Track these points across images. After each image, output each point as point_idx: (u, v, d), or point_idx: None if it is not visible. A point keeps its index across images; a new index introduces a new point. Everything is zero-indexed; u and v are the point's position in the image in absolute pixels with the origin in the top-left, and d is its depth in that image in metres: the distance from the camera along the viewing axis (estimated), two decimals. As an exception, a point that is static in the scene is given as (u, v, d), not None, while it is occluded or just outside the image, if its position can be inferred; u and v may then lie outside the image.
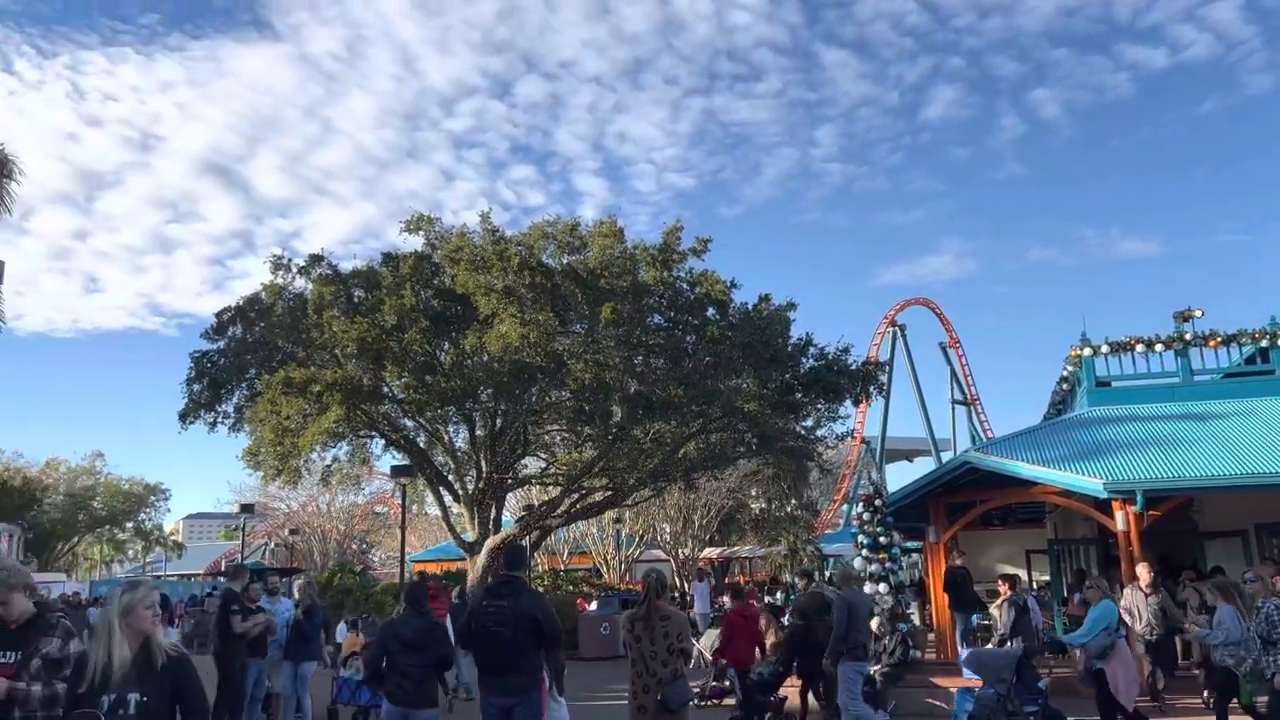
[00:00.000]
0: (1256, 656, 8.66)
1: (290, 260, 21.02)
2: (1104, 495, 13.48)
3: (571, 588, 29.02)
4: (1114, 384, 18.13)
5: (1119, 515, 13.64)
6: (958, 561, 15.90)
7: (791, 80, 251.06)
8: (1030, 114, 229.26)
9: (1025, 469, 14.51)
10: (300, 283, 21.01)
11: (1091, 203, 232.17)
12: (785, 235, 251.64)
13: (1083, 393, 18.34)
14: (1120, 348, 17.87)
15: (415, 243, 21.19)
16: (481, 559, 21.42)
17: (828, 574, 26.22)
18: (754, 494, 38.30)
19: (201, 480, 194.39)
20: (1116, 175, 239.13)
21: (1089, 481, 13.61)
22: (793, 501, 38.16)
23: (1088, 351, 18.12)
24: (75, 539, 69.15)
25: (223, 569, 55.55)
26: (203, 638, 26.18)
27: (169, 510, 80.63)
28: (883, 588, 14.55)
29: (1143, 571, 12.13)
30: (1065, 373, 19.62)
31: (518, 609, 6.59)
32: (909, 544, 20.28)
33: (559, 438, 24.66)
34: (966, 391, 60.83)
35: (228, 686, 10.65)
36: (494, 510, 23.54)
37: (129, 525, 72.63)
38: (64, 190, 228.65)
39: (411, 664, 6.87)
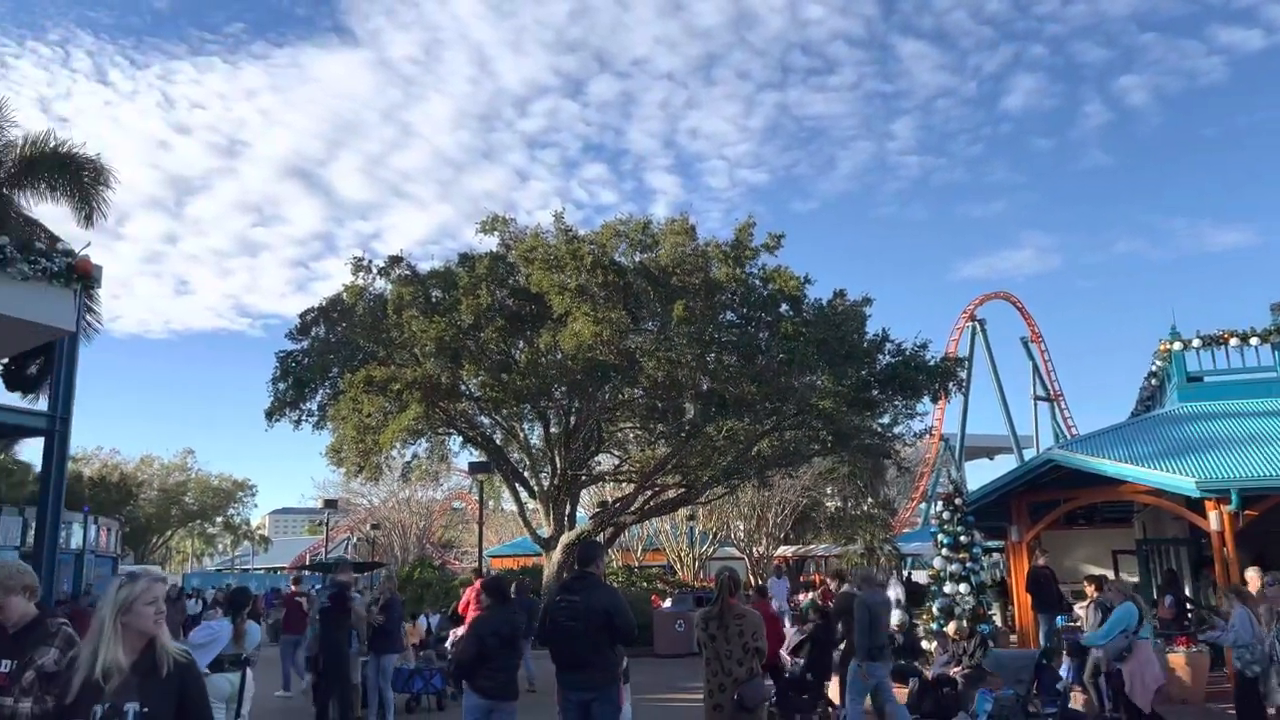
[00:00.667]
0: (1265, 660, 8.60)
1: (370, 262, 21.49)
2: (1196, 494, 13.03)
3: (645, 584, 29.12)
4: (1206, 379, 17.48)
5: (1212, 515, 13.16)
6: (1040, 561, 15.52)
7: (867, 73, 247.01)
8: (1117, 102, 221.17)
9: (1112, 467, 14.10)
10: (380, 283, 21.46)
11: (1182, 193, 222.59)
12: (861, 230, 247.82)
13: (1173, 388, 17.73)
14: (1213, 341, 17.24)
15: (490, 243, 21.50)
16: (557, 554, 21.65)
17: (906, 574, 25.86)
18: (829, 492, 37.92)
19: (286, 476, 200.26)
20: (1209, 163, 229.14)
21: (1180, 480, 13.17)
22: (869, 500, 37.65)
23: (1178, 346, 17.51)
24: (169, 533, 71.99)
25: (307, 563, 57.21)
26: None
27: (256, 505, 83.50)
28: (963, 588, 14.27)
29: (1253, 576, 11.55)
30: (1154, 368, 18.99)
31: (590, 604, 6.62)
32: (990, 543, 19.87)
33: (632, 435, 24.78)
34: (1049, 387, 59.29)
35: (336, 677, 11.00)
36: (569, 506, 23.76)
37: (218, 520, 75.39)
38: (156, 196, 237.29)
39: (504, 658, 6.99)
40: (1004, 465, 62.85)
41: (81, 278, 7.45)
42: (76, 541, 31.64)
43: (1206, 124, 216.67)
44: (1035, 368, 59.44)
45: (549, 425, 22.94)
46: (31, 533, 27.01)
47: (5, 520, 27.27)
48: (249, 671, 8.23)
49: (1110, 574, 19.31)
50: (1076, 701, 12.27)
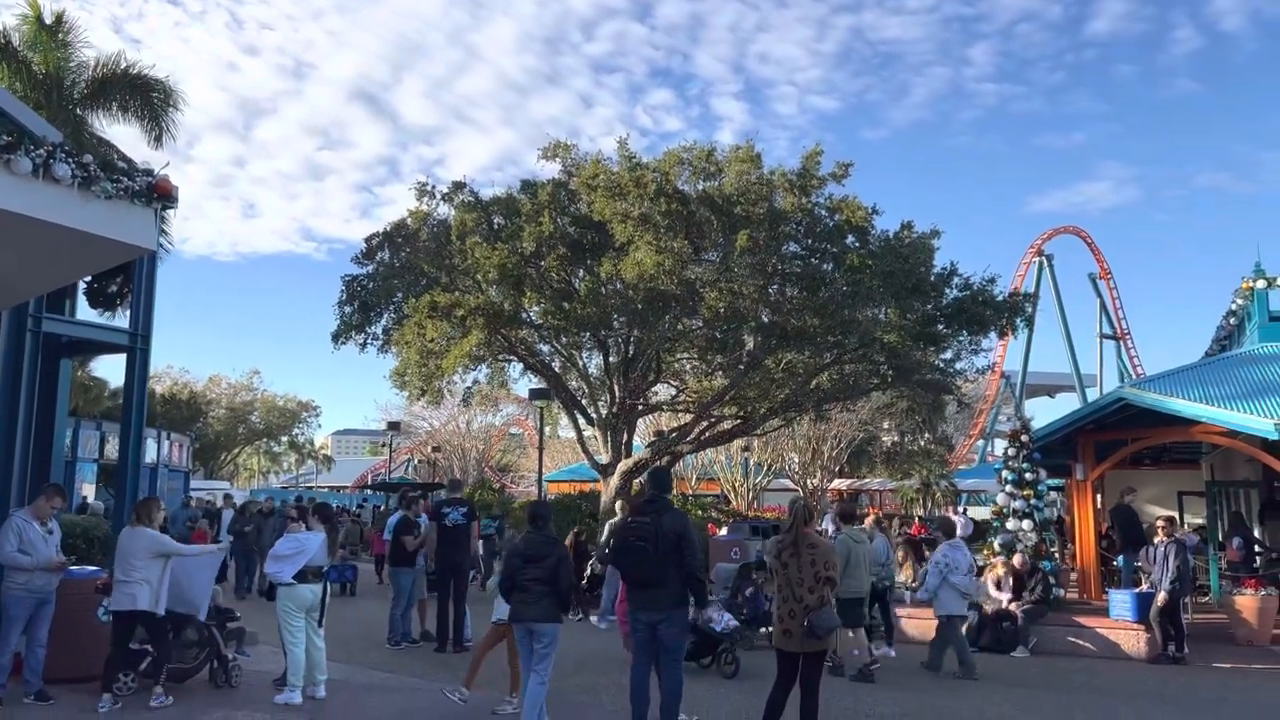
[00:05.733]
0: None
1: (434, 187, 21.49)
2: (1275, 436, 12.68)
3: (700, 512, 29.38)
4: (1291, 319, 16.90)
5: (1291, 458, 12.83)
6: (1127, 500, 15.42)
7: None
8: (1209, 26, 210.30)
9: (1187, 407, 13.76)
10: (444, 209, 21.50)
11: (1274, 124, 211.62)
12: (934, 160, 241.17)
13: (1253, 328, 17.18)
14: (1299, 280, 16.61)
15: (552, 170, 21.34)
16: (614, 481, 21.91)
17: (962, 509, 25.76)
18: (886, 426, 37.77)
19: (350, 398, 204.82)
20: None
21: (1258, 421, 12.82)
22: (926, 435, 37.45)
23: (1261, 284, 16.93)
24: (236, 450, 74.33)
25: (369, 482, 58.76)
26: (354, 546, 27.94)
27: (319, 426, 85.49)
28: (1026, 524, 14.19)
29: None
30: (1234, 306, 18.41)
31: (660, 526, 6.82)
32: (1050, 481, 19.66)
33: (690, 366, 24.76)
34: (1116, 326, 57.99)
35: (462, 594, 11.88)
36: (626, 434, 23.93)
37: (284, 439, 77.53)
38: (225, 118, 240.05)
39: (529, 578, 7.03)
40: (1065, 403, 61.94)
41: (161, 197, 7.56)
42: (151, 456, 32.83)
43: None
44: (1103, 305, 58.16)
45: (608, 354, 23.01)
46: (108, 446, 28.19)
47: (84, 433, 28.37)
48: (326, 583, 8.55)
49: (1175, 514, 19.07)
50: (1140, 642, 12.24)
